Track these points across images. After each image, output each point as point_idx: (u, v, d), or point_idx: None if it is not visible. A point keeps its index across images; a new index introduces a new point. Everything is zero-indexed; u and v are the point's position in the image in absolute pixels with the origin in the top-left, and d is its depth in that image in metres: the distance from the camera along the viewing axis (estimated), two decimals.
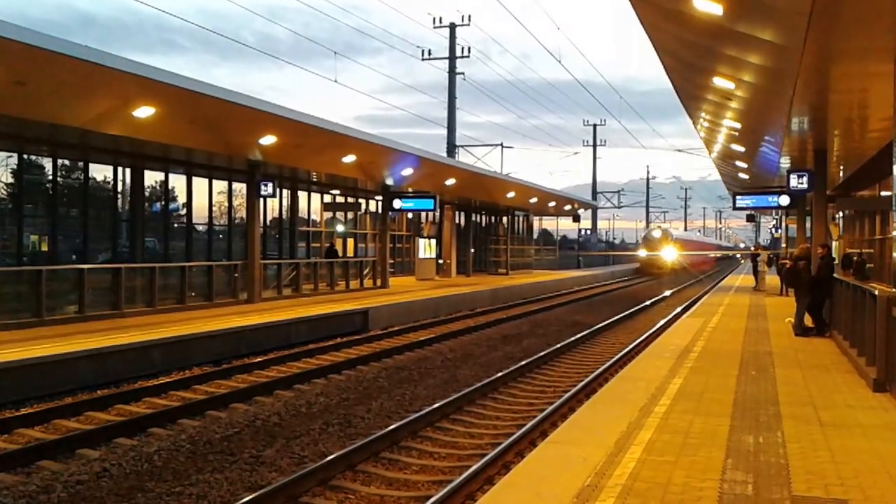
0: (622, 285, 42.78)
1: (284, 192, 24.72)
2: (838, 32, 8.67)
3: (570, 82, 42.79)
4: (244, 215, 20.71)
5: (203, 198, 21.13)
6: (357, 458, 7.83)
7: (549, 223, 65.75)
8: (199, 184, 20.84)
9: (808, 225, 26.76)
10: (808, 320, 14.34)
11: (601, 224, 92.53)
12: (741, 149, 20.30)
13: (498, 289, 28.74)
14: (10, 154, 15.93)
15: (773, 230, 64.80)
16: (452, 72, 31.78)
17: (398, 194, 26.63)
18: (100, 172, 18.22)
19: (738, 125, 16.11)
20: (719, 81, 12.05)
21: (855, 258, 21.58)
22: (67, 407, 9.86)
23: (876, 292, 9.14)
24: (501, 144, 38.30)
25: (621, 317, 22.62)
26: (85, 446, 8.23)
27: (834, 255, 19.72)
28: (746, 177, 27.12)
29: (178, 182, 20.35)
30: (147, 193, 19.75)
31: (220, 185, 21.94)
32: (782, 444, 6.45)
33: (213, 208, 21.58)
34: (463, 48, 32.25)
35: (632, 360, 11.81)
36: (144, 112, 13.44)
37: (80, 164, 17.61)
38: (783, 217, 42.92)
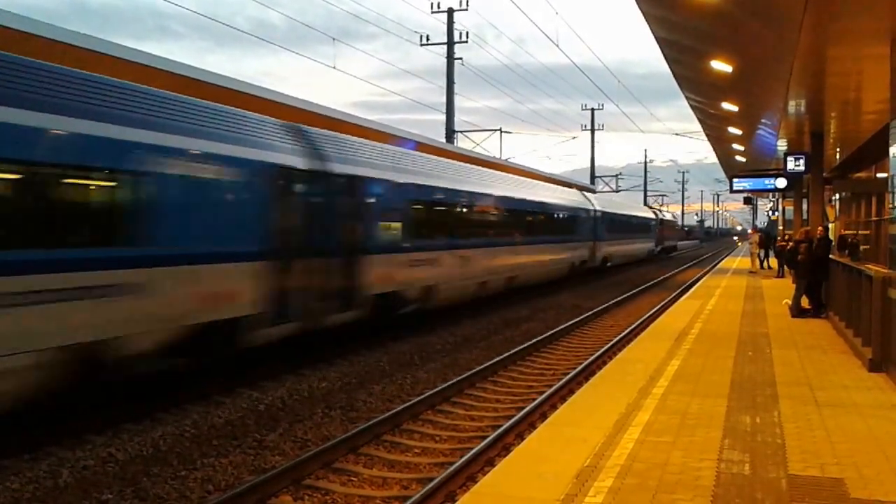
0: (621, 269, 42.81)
1: None
2: (834, 14, 8.70)
3: (568, 66, 42.61)
4: None
5: None
6: (359, 441, 7.94)
7: None
8: None
9: (804, 207, 26.85)
10: (804, 302, 14.44)
11: None
12: (738, 131, 20.33)
13: None
14: None
15: (770, 213, 64.85)
16: (451, 57, 31.61)
17: None
18: None
19: (735, 108, 16.14)
20: (717, 65, 12.07)
21: (850, 240, 21.70)
22: None
23: (872, 274, 9.22)
24: (500, 129, 38.02)
25: (620, 299, 22.70)
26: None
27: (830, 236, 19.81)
28: (743, 159, 27.16)
29: None
30: None
31: None
32: (779, 424, 6.54)
33: None
34: (461, 33, 32.04)
35: (630, 343, 11.89)
36: None
37: None
38: (780, 199, 43.00)
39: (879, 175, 19.66)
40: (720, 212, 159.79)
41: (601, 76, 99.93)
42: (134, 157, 8.49)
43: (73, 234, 7.99)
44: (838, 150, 22.28)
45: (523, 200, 22.49)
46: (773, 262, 28.49)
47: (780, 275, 24.82)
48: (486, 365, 11.87)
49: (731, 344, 10.96)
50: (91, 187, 8.43)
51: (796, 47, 9.85)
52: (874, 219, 20.48)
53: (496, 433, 7.98)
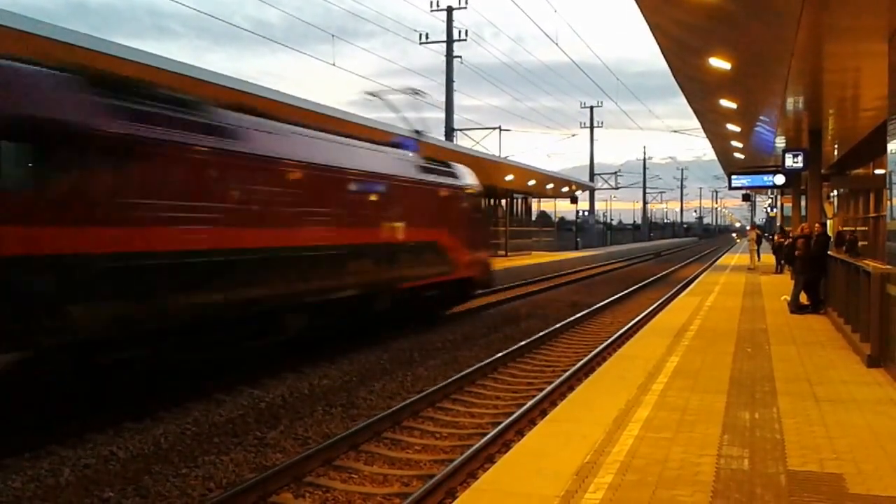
0: (620, 265, 42.90)
1: None
2: (832, 11, 8.72)
3: (567, 64, 42.80)
4: None
5: None
6: (360, 439, 7.96)
7: (547, 205, 65.97)
8: None
9: (803, 203, 26.87)
10: (803, 298, 14.47)
11: (598, 205, 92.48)
12: (737, 129, 20.35)
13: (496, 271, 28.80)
14: None
15: (769, 209, 64.89)
16: (450, 56, 31.59)
17: None
18: None
19: (733, 105, 16.16)
20: (715, 62, 12.09)
21: (848, 236, 21.73)
22: None
23: (870, 269, 9.25)
24: (500, 127, 38.20)
25: (620, 296, 22.73)
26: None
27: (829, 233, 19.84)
28: (742, 156, 27.19)
29: None
30: None
31: None
32: (778, 419, 6.57)
33: None
34: (460, 31, 32.05)
35: (630, 339, 11.92)
36: None
37: None
38: (778, 196, 43.03)
39: (877, 171, 19.68)
40: (719, 209, 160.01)
41: (600, 74, 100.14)
42: None
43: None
44: (836, 146, 22.31)
45: None
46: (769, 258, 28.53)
47: (779, 271, 24.85)
48: (486, 362, 11.89)
49: (730, 340, 10.99)
50: None
51: (794, 45, 9.87)
52: (872, 215, 20.51)
53: (496, 430, 8.00)
